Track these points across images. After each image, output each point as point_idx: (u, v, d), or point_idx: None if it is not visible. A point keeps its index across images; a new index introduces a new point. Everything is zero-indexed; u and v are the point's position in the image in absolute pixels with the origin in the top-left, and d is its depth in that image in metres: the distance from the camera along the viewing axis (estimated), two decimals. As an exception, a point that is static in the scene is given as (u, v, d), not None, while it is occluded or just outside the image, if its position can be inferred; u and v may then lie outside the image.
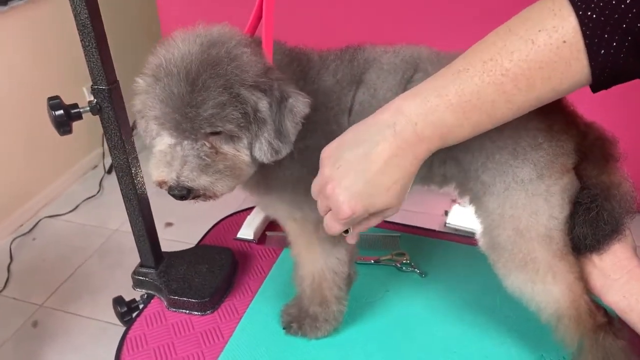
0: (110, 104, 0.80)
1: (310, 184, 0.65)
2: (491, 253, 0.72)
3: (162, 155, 0.67)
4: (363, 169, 0.58)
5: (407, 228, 1.11)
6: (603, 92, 0.55)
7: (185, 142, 0.65)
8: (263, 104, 0.64)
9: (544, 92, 0.54)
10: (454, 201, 2.28)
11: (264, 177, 0.73)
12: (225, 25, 0.68)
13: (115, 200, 2.44)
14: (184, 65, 0.63)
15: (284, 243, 1.06)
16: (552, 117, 0.65)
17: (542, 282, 0.69)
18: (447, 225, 2.16)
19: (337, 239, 0.77)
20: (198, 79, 0.62)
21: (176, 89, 0.62)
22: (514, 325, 0.87)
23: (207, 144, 0.65)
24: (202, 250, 1.04)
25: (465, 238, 1.07)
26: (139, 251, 0.96)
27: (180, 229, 2.11)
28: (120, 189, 0.90)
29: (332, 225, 0.62)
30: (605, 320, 0.71)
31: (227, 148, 0.66)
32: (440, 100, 0.55)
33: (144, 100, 0.66)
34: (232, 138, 0.65)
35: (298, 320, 0.85)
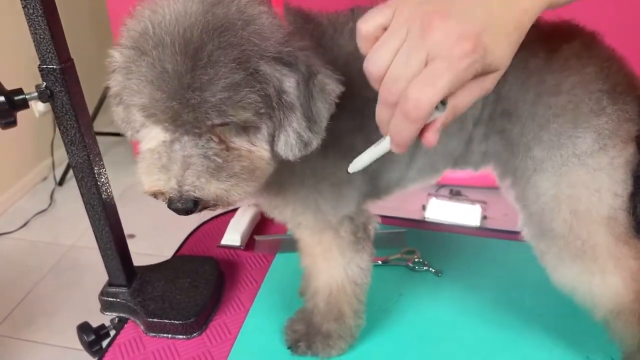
0: (64, 87, 0.65)
1: (334, 176, 0.52)
2: (539, 243, 0.62)
3: (154, 156, 0.51)
4: None
5: (411, 222, 1.00)
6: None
7: (186, 137, 0.49)
8: (290, 83, 0.49)
9: None
10: (430, 195, 2.21)
11: (277, 172, 0.58)
12: None
13: (69, 213, 2.30)
14: (180, 32, 0.47)
15: (276, 248, 0.93)
16: (614, 77, 0.55)
17: (601, 273, 0.60)
18: (426, 219, 2.08)
19: (359, 246, 0.65)
20: (202, 50, 0.46)
21: (171, 65, 0.46)
22: (550, 325, 0.77)
23: (214, 138, 0.50)
24: (181, 261, 0.89)
25: (480, 230, 0.97)
26: (106, 268, 0.81)
27: (145, 240, 1.93)
28: (81, 194, 0.74)
29: (434, 80, 0.40)
30: (667, 312, 0.62)
31: (239, 142, 0.51)
32: None
33: (123, 82, 0.50)
34: (246, 129, 0.50)
35: (307, 338, 0.72)
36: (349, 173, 0.49)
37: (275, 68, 0.49)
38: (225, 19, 0.48)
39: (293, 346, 0.73)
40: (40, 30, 0.62)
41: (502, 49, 0.41)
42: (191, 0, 0.48)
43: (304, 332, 0.72)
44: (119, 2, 2.06)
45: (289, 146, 0.51)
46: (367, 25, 0.44)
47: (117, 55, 0.51)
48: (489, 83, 0.42)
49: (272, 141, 0.52)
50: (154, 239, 1.79)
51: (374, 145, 0.48)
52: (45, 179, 2.49)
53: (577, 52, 0.56)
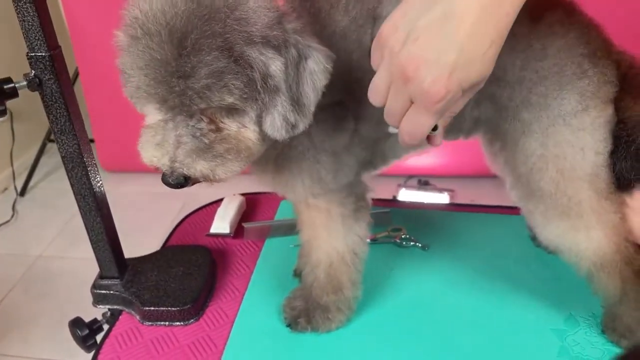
0: (53, 75, 0.64)
1: (332, 147, 0.54)
2: (527, 203, 0.65)
3: (151, 133, 0.53)
4: (448, 32, 0.44)
5: (393, 203, 1.03)
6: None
7: (179, 117, 0.51)
8: (276, 66, 0.51)
9: None
10: (400, 185, 2.26)
11: (275, 149, 0.60)
12: None
13: (34, 223, 2.24)
14: (166, 20, 0.48)
15: (265, 233, 0.94)
16: (594, 42, 0.60)
17: (585, 228, 0.64)
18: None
19: (358, 215, 0.67)
20: (186, 39, 0.48)
21: (158, 53, 0.48)
22: (534, 287, 0.81)
23: (204, 118, 0.52)
24: (172, 251, 0.89)
25: (461, 206, 1.01)
26: (98, 260, 0.80)
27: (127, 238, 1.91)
28: (71, 185, 0.73)
29: (419, 121, 0.48)
30: (646, 263, 0.66)
31: (229, 123, 0.53)
32: None
33: (124, 64, 0.52)
34: (235, 110, 0.52)
35: (306, 314, 0.73)
36: (390, 133, 0.55)
37: (261, 52, 0.50)
38: (210, 7, 0.49)
39: (292, 323, 0.74)
40: (29, 18, 0.61)
41: (478, 70, 0.46)
42: None
43: (303, 308, 0.74)
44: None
45: (275, 128, 0.53)
46: (377, 86, 0.51)
47: (121, 36, 0.52)
48: (475, 90, 0.48)
49: (260, 122, 0.53)
50: (135, 238, 1.77)
51: None
52: (5, 190, 2.41)
53: (559, 18, 0.60)
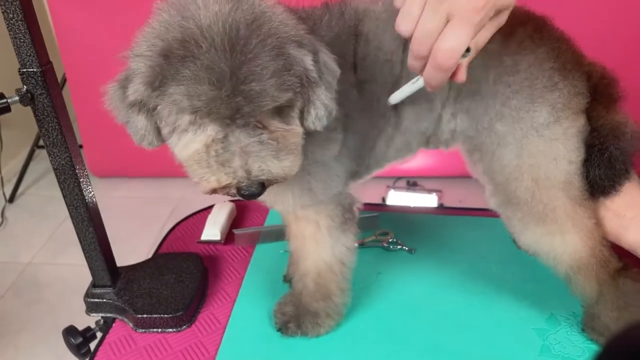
0: (45, 90, 0.66)
1: (323, 158, 0.57)
2: (505, 210, 0.68)
3: (204, 155, 0.54)
4: None
5: (382, 207, 1.05)
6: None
7: (237, 130, 0.53)
8: (309, 62, 0.54)
9: None
10: (389, 187, 2.28)
11: None
12: None
13: (23, 230, 2.23)
14: (225, 31, 0.50)
15: (255, 239, 0.96)
16: (564, 55, 0.62)
17: (561, 233, 0.66)
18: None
19: (345, 227, 0.69)
20: (248, 44, 0.50)
21: (224, 63, 0.49)
22: (516, 289, 0.83)
23: (258, 125, 0.54)
24: (164, 259, 0.90)
25: (446, 209, 1.04)
26: (90, 269, 0.81)
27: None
28: (63, 196, 0.74)
29: (459, 37, 0.49)
30: (621, 265, 0.69)
31: (278, 124, 0.55)
32: None
33: (147, 91, 0.52)
34: (280, 111, 0.54)
35: (296, 319, 0.75)
36: (390, 104, 0.59)
37: (298, 50, 0.54)
38: (255, 13, 0.52)
39: (283, 328, 0.76)
40: (20, 35, 0.63)
41: None
42: (217, 2, 0.52)
43: (293, 313, 0.76)
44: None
45: (319, 117, 0.57)
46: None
47: (141, 66, 0.52)
48: (503, 19, 0.51)
49: (301, 118, 0.56)
50: (126, 243, 1.78)
51: (410, 82, 0.57)
52: (-6, 196, 2.40)
53: (530, 34, 0.62)
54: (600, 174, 0.64)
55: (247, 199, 0.55)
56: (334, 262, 0.72)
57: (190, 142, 0.54)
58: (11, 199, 2.35)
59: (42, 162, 2.50)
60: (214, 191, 0.55)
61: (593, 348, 0.73)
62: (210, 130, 0.53)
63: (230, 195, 0.56)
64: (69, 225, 0.78)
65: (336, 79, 0.57)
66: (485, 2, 0.48)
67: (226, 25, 0.50)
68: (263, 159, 0.53)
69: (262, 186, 0.54)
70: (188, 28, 0.51)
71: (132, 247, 1.64)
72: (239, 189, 0.54)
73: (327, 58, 0.57)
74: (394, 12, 0.62)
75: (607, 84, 0.65)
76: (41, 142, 1.55)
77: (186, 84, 0.50)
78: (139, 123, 0.56)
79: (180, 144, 0.55)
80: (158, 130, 0.57)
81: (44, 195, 2.39)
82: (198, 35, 0.50)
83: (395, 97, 0.61)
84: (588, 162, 0.65)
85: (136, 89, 0.53)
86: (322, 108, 0.56)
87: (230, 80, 0.50)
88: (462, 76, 0.54)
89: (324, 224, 0.69)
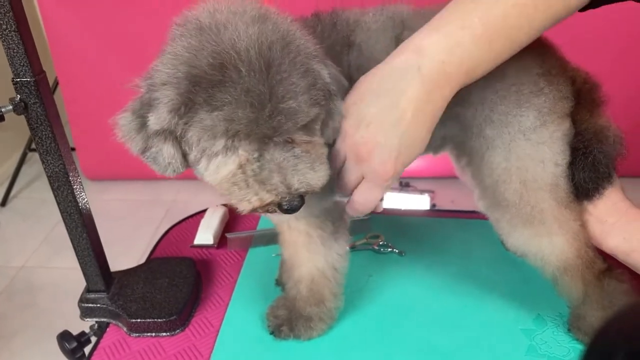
0: (39, 99, 0.67)
1: None
2: (494, 212, 0.69)
3: (241, 176, 0.54)
4: (394, 121, 0.52)
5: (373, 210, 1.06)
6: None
7: (272, 148, 0.54)
8: (326, 75, 0.56)
9: (559, 10, 0.53)
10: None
11: None
12: None
13: (16, 234, 2.23)
14: (261, 53, 0.50)
15: (247, 243, 0.97)
16: (549, 61, 0.64)
17: (548, 235, 0.68)
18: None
19: (337, 235, 0.71)
20: (282, 65, 0.51)
21: (262, 85, 0.50)
22: (505, 290, 0.85)
23: (288, 139, 0.55)
24: (157, 263, 0.91)
25: (437, 212, 1.05)
26: (84, 274, 0.82)
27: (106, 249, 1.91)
28: (57, 203, 0.75)
29: (370, 195, 0.56)
30: (605, 266, 0.71)
31: (301, 138, 0.56)
32: (465, 32, 0.51)
33: (173, 119, 0.52)
34: (305, 126, 0.55)
35: (289, 323, 0.76)
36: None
37: (320, 65, 0.55)
38: (281, 32, 0.53)
39: (276, 331, 0.77)
40: (14, 45, 0.63)
41: (417, 151, 0.58)
42: (244, 24, 0.52)
43: (286, 317, 0.77)
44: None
45: (336, 130, 0.59)
46: (337, 159, 0.62)
47: (168, 93, 0.52)
48: (413, 162, 0.60)
49: (322, 131, 0.58)
50: (119, 246, 1.78)
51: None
52: (-14, 200, 2.39)
53: None
54: (584, 177, 0.66)
55: (288, 214, 0.56)
56: (327, 269, 0.73)
57: (222, 165, 0.54)
58: (3, 202, 2.34)
59: (35, 165, 2.49)
60: (254, 210, 0.55)
61: (579, 348, 0.74)
62: (242, 151, 0.54)
63: (270, 212, 0.56)
64: (62, 228, 0.78)
65: (342, 91, 0.59)
66: (394, 172, 0.57)
67: (262, 47, 0.51)
68: (300, 172, 0.54)
69: (302, 199, 0.55)
70: (224, 53, 0.51)
71: (125, 250, 1.64)
72: (280, 205, 0.55)
73: (335, 70, 0.58)
74: (384, 23, 0.64)
75: (590, 89, 0.67)
76: (34, 146, 1.56)
77: (226, 109, 0.50)
78: (166, 152, 0.55)
79: (211, 167, 0.55)
80: (183, 156, 0.57)
81: (37, 198, 2.38)
82: (236, 60, 0.50)
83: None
84: (573, 165, 0.66)
85: (161, 118, 0.53)
86: (339, 119, 0.58)
87: (270, 101, 0.50)
88: (379, 209, 0.66)
89: (316, 234, 0.70)
